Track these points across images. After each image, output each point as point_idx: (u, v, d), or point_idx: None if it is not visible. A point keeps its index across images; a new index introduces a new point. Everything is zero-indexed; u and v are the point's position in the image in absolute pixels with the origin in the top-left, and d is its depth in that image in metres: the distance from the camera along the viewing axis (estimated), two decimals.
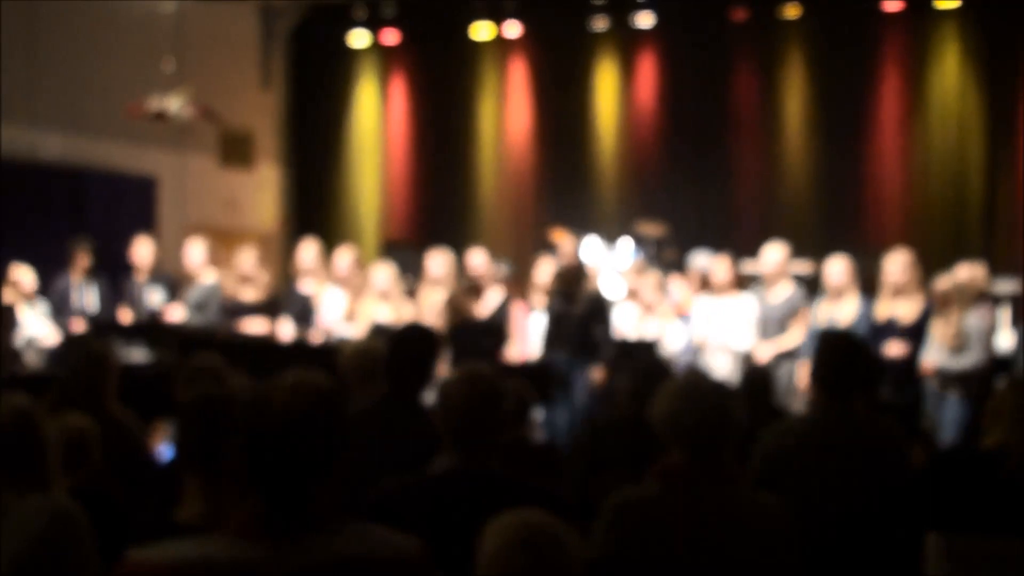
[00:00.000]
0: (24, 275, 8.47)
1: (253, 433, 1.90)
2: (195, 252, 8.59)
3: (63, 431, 3.58)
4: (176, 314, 8.46)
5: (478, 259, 8.18)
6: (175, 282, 8.82)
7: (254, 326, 8.27)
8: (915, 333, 7.04)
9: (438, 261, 8.21)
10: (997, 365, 6.94)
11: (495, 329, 7.80)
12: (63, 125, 10.27)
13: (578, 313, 7.32)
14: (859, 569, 3.50)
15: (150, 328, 8.00)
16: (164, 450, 5.24)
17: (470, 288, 7.80)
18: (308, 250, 8.60)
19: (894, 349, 6.96)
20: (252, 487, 1.89)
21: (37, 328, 8.39)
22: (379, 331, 7.23)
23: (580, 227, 9.73)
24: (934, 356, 6.85)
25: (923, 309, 7.08)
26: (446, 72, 12.47)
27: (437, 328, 7.22)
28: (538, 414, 6.83)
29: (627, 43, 11.80)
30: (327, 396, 1.95)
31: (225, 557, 1.82)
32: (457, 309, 7.62)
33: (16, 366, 7.75)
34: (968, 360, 6.75)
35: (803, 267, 8.91)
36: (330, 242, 9.48)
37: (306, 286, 8.49)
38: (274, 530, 1.85)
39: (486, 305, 8.01)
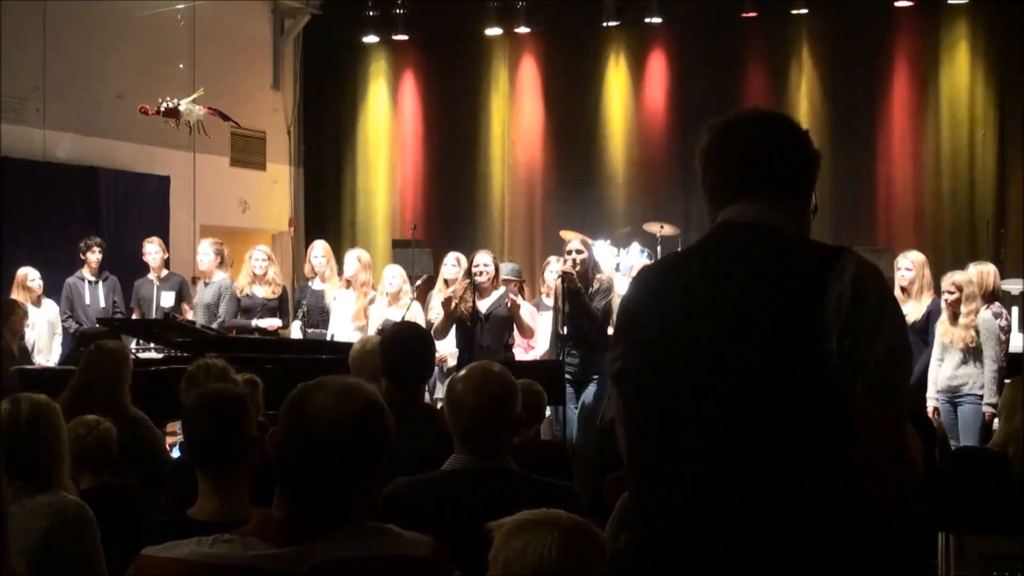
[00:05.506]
0: (32, 277, 8.48)
1: (292, 439, 1.86)
2: (206, 252, 8.62)
3: (84, 429, 3.61)
4: (190, 315, 8.49)
5: (481, 258, 8.03)
6: (187, 282, 8.85)
7: (265, 324, 8.30)
8: (922, 333, 7.01)
9: (451, 262, 8.17)
10: (1010, 365, 6.89)
11: (499, 323, 7.69)
12: (76, 125, 10.30)
13: (593, 311, 7.27)
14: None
15: (162, 327, 8.02)
16: (178, 448, 5.26)
17: (471, 285, 7.67)
18: (318, 249, 8.63)
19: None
20: (283, 490, 1.88)
21: (37, 336, 8.40)
22: None
23: (590, 226, 9.70)
24: (946, 369, 6.80)
25: (929, 309, 7.05)
26: (456, 70, 12.48)
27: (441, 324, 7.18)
28: (549, 413, 6.81)
29: (637, 41, 11.79)
30: (374, 407, 1.91)
31: (239, 556, 1.82)
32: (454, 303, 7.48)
33: (25, 362, 7.76)
34: (983, 374, 6.66)
35: None
36: (341, 242, 9.50)
37: (316, 285, 8.51)
38: (297, 534, 1.84)
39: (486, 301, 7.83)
